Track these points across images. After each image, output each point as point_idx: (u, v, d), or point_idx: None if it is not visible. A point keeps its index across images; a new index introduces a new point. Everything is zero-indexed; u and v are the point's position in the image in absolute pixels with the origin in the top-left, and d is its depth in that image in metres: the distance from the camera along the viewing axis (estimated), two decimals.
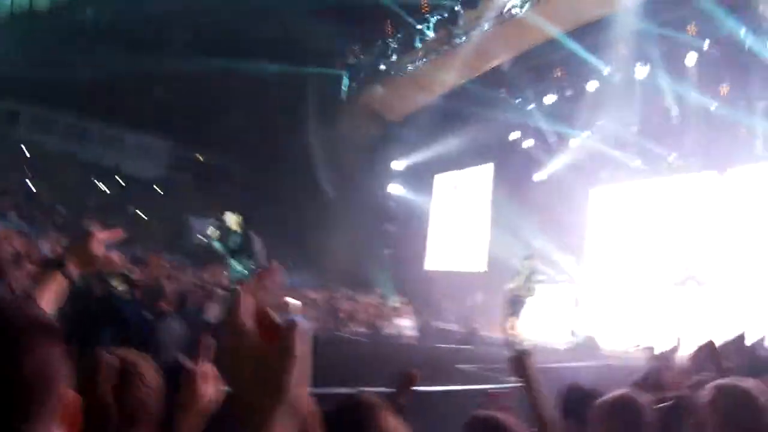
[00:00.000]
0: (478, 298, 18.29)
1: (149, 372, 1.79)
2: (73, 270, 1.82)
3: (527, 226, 19.13)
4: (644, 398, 2.57)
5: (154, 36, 20.58)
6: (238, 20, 18.68)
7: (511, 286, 11.98)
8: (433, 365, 8.50)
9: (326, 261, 19.74)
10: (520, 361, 2.63)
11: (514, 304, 11.83)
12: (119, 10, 18.20)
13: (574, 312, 14.73)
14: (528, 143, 19.47)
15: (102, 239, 1.92)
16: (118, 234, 2.08)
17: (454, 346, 12.65)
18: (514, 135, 19.66)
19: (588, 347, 12.85)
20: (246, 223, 8.22)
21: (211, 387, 1.79)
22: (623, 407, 2.48)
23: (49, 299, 1.73)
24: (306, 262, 19.68)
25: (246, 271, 8.08)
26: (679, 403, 2.66)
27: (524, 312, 11.95)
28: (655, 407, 2.54)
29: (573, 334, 13.76)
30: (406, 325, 13.85)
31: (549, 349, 12.21)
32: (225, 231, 8.36)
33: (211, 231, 8.26)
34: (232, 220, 8.23)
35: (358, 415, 1.86)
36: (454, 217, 22.27)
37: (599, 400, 2.58)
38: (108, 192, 26.66)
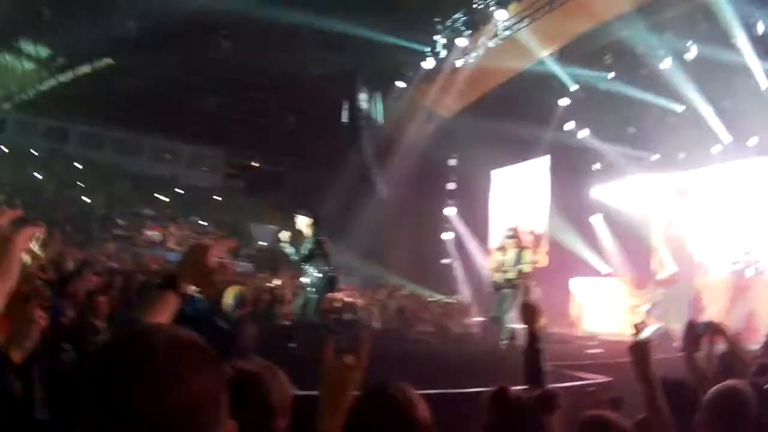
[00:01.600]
0: (537, 293, 18.04)
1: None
2: (186, 288, 1.73)
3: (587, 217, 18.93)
4: (748, 389, 2.56)
5: (200, 41, 20.87)
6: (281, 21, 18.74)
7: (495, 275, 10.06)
8: (506, 365, 8.43)
9: (387, 261, 19.78)
10: (642, 350, 2.55)
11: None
12: (161, 15, 18.40)
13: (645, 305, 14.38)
14: (583, 133, 19.14)
15: (218, 253, 1.80)
16: (232, 245, 2.06)
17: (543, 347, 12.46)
18: (569, 125, 19.34)
19: (662, 339, 12.55)
20: (316, 225, 8.26)
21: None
22: (731, 398, 2.49)
23: (163, 321, 1.63)
24: (367, 263, 19.82)
25: (320, 274, 8.15)
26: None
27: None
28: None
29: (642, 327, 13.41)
30: (472, 323, 13.80)
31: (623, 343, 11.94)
32: (296, 235, 8.44)
33: (283, 235, 8.29)
34: (303, 223, 8.29)
35: (388, 402, 1.95)
36: (514, 212, 22.03)
37: (709, 392, 2.59)
38: (167, 202, 27.24)
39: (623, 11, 15.00)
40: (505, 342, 9.24)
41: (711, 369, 3.42)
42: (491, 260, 10.49)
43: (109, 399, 0.91)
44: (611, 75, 17.75)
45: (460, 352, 9.93)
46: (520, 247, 9.86)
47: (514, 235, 9.99)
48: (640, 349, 2.58)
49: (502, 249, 10.05)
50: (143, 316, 1.55)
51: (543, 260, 10.88)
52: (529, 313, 2.99)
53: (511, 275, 9.53)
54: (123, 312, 7.59)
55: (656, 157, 17.49)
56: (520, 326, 7.01)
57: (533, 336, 2.92)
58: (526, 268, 9.59)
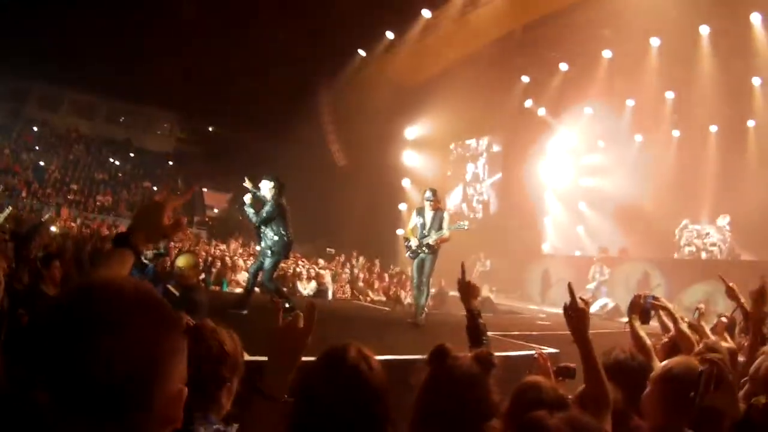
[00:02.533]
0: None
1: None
2: (141, 246, 1.67)
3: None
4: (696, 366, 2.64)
5: (159, 7, 20.31)
6: None
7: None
8: (455, 333, 8.57)
9: (341, 230, 19.76)
10: (578, 314, 2.57)
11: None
12: None
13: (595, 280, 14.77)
14: (541, 111, 19.36)
15: (173, 207, 1.74)
16: (185, 200, 1.94)
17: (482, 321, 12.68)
18: (528, 103, 19.52)
19: (611, 314, 13.02)
20: (278, 189, 8.15)
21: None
22: (681, 373, 2.57)
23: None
24: (322, 231, 19.76)
25: (277, 238, 8.07)
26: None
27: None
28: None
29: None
30: None
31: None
32: (258, 199, 8.31)
33: (247, 198, 8.19)
34: (266, 187, 8.14)
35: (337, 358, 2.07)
36: (468, 186, 22.28)
37: (662, 365, 2.72)
38: (119, 166, 26.72)
39: None
40: (422, 317, 8.90)
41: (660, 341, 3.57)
42: (409, 223, 9.60)
43: (61, 352, 0.90)
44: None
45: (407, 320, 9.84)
46: (439, 209, 9.25)
47: (433, 197, 9.24)
48: (575, 313, 2.59)
49: (420, 211, 9.33)
50: (103, 273, 1.52)
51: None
52: (467, 292, 3.22)
53: (431, 240, 8.99)
54: (77, 274, 7.47)
55: None
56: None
57: (471, 313, 3.14)
58: (446, 233, 9.00)
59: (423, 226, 9.14)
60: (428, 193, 9.31)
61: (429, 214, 9.14)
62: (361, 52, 20.39)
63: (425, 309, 9.06)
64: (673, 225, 17.27)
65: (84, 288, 0.97)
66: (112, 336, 0.90)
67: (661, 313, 4.34)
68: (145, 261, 8.15)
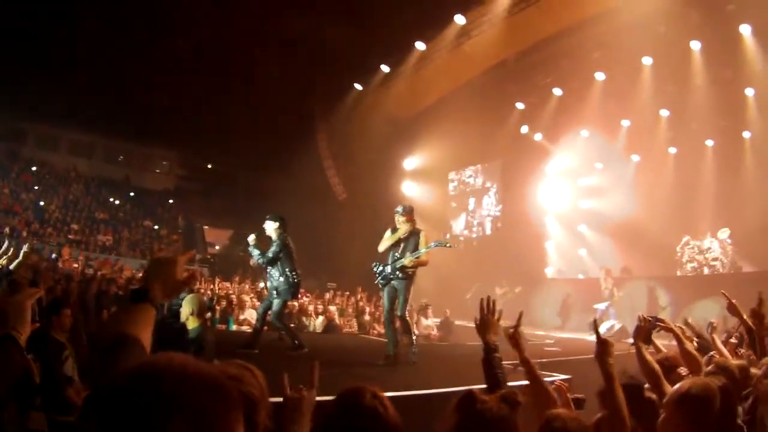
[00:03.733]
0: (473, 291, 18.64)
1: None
2: (159, 300, 1.71)
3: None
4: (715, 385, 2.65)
5: (153, 45, 20.55)
6: (239, 20, 18.61)
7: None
8: (460, 364, 8.55)
9: (343, 264, 19.72)
10: (603, 348, 2.74)
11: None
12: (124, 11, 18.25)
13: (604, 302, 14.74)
14: (538, 136, 19.50)
15: (183, 262, 1.79)
16: (191, 256, 2.07)
17: (478, 343, 12.62)
18: (525, 129, 19.65)
19: (619, 336, 12.95)
20: (283, 228, 8.13)
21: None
22: (697, 394, 2.55)
23: (147, 336, 1.63)
24: (324, 266, 19.73)
25: (282, 278, 8.01)
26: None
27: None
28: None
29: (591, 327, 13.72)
30: (429, 324, 13.91)
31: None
32: (262, 238, 8.29)
33: (251, 238, 8.17)
34: (270, 227, 8.11)
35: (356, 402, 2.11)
36: (469, 214, 22.34)
37: (675, 388, 2.67)
38: (118, 205, 26.76)
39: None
40: (412, 352, 7.82)
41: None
42: (381, 246, 8.14)
43: None
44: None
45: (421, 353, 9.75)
46: (414, 229, 7.98)
47: (406, 213, 8.02)
48: (601, 347, 2.76)
49: (394, 231, 8.06)
50: (128, 331, 1.56)
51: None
52: (483, 328, 3.20)
53: (405, 262, 7.76)
54: (83, 317, 7.47)
55: None
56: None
57: (487, 346, 3.10)
58: (423, 255, 7.78)
59: (394, 248, 7.97)
60: (399, 209, 8.15)
61: (403, 233, 7.94)
62: (357, 86, 20.57)
63: (414, 344, 7.90)
64: (674, 242, 17.33)
65: (149, 370, 0.99)
66: (184, 417, 0.94)
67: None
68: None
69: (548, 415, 2.61)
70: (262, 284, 16.52)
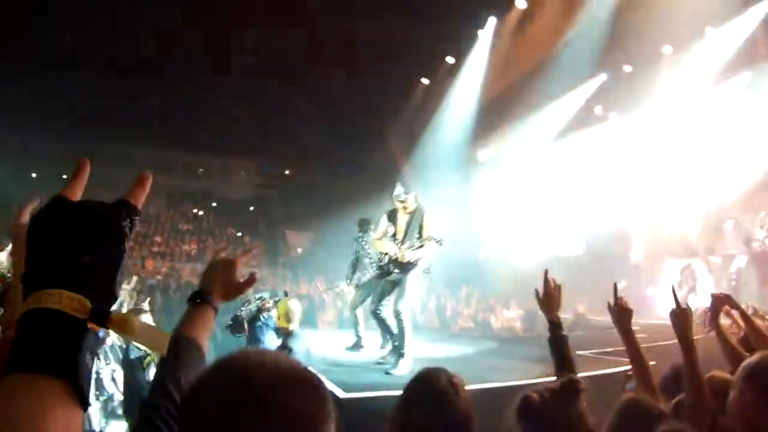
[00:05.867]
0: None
1: None
2: (218, 301, 1.66)
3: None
4: None
5: (217, 56, 21.15)
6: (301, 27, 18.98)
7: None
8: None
9: None
10: (682, 317, 2.75)
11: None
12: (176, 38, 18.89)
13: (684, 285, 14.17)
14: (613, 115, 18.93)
15: (243, 262, 1.77)
16: (250, 255, 1.98)
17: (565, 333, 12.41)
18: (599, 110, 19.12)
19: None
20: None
21: None
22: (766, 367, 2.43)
23: (205, 337, 1.60)
24: None
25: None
26: None
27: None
28: None
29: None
30: (512, 316, 13.77)
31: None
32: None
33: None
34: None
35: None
36: (548, 202, 21.90)
37: (744, 363, 2.53)
38: (202, 215, 27.64)
39: None
40: (390, 358, 6.76)
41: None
42: (377, 233, 6.99)
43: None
44: None
45: (502, 347, 9.71)
46: (416, 210, 6.73)
47: (405, 195, 6.74)
48: (679, 316, 2.75)
49: (391, 214, 6.92)
50: (189, 333, 1.54)
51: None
52: (548, 303, 3.17)
53: (408, 256, 6.49)
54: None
55: None
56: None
57: (553, 324, 3.08)
58: (429, 247, 6.48)
59: (394, 236, 6.77)
60: (397, 190, 6.84)
61: (403, 218, 6.76)
62: (424, 81, 20.58)
63: (405, 353, 6.41)
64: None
65: (240, 365, 0.98)
66: (275, 413, 0.93)
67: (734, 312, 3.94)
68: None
69: (623, 400, 2.59)
70: (340, 285, 16.82)
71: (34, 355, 0.78)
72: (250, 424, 0.91)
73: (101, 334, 0.92)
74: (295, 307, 5.62)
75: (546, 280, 3.12)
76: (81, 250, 0.84)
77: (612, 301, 3.08)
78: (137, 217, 0.95)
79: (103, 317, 0.83)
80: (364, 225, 8.23)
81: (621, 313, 3.04)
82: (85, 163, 1.02)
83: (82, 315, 0.81)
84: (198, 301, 1.62)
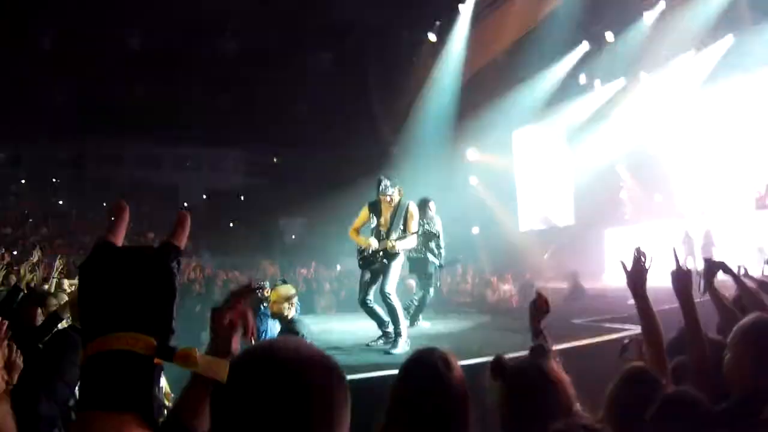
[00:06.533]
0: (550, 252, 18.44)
1: None
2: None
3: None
4: None
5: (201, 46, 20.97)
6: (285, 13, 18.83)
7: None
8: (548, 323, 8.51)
9: None
10: (683, 278, 2.76)
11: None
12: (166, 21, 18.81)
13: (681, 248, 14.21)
14: (596, 83, 18.94)
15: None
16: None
17: (561, 303, 12.52)
18: (582, 79, 19.10)
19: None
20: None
21: None
22: (759, 328, 2.49)
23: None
24: None
25: None
26: None
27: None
28: None
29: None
30: (507, 289, 13.84)
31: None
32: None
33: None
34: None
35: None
36: (539, 173, 21.97)
37: (738, 325, 2.59)
38: (192, 208, 27.49)
39: None
40: (380, 341, 6.86)
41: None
42: (356, 222, 7.14)
43: (232, 414, 0.98)
44: None
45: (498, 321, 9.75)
46: (400, 203, 6.86)
47: (390, 187, 6.79)
48: (680, 277, 2.78)
49: (374, 206, 6.99)
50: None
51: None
52: (536, 311, 3.03)
53: (389, 246, 6.66)
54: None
55: None
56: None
57: (537, 332, 2.97)
58: (408, 241, 6.78)
59: (378, 226, 6.90)
60: (384, 183, 6.81)
61: (387, 210, 6.89)
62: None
63: (402, 332, 6.55)
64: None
65: (264, 350, 1.05)
66: (298, 394, 0.97)
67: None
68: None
69: (625, 370, 2.62)
70: (339, 267, 16.87)
71: (109, 393, 0.88)
72: (274, 401, 0.96)
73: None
74: (286, 292, 5.56)
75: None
76: (138, 294, 0.93)
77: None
78: (181, 257, 1.03)
79: (170, 352, 0.93)
80: (423, 205, 8.46)
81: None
82: (124, 207, 1.08)
83: (150, 352, 0.91)
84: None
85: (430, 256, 8.76)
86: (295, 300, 5.63)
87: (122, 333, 0.90)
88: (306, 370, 0.99)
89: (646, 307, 2.74)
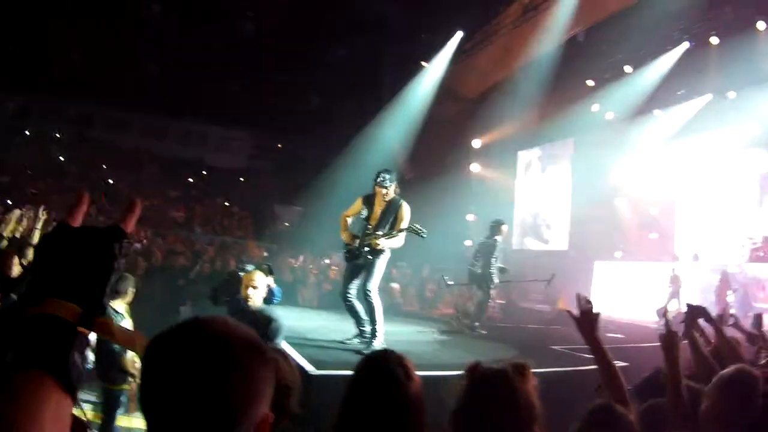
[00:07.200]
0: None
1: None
2: None
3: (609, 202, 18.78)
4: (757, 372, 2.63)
5: (219, 27, 20.98)
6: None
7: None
8: (524, 346, 8.53)
9: (409, 243, 19.68)
10: (672, 340, 2.79)
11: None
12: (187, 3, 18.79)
13: (668, 289, 14.22)
14: (609, 115, 18.93)
15: None
16: None
17: (543, 326, 12.56)
18: (595, 107, 19.08)
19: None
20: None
21: None
22: (740, 380, 2.54)
23: None
24: None
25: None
26: None
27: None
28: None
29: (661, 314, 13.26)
30: (492, 305, 13.75)
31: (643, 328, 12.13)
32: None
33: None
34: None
35: None
36: (538, 194, 21.97)
37: (718, 375, 2.66)
38: (192, 183, 27.49)
39: None
40: (355, 340, 6.88)
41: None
42: (348, 211, 7.09)
43: (159, 386, 1.01)
44: None
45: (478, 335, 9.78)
46: (394, 197, 6.83)
47: (389, 183, 6.73)
48: (668, 340, 2.80)
49: (367, 199, 6.93)
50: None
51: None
52: (586, 322, 2.80)
53: (378, 241, 6.62)
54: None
55: None
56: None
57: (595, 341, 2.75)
58: (400, 238, 6.73)
59: (367, 220, 6.83)
60: (383, 176, 6.75)
61: (380, 205, 6.80)
62: (424, 64, 20.47)
63: (369, 335, 6.67)
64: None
65: (192, 323, 1.07)
66: (221, 366, 1.01)
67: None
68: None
69: (592, 406, 2.60)
70: (327, 260, 16.80)
71: (33, 353, 0.95)
72: (196, 370, 0.99)
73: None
74: (259, 278, 5.29)
75: (584, 301, 2.82)
76: (75, 266, 1.02)
77: (574, 309, 2.80)
78: (126, 240, 1.10)
79: (90, 321, 1.00)
80: (497, 226, 10.58)
81: (585, 319, 2.70)
82: (85, 196, 1.18)
83: (73, 319, 0.98)
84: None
85: (489, 271, 10.23)
86: (260, 287, 5.31)
87: (55, 299, 0.98)
88: (230, 342, 1.03)
89: (600, 351, 2.65)
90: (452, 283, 12.33)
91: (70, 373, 0.95)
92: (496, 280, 10.43)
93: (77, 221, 1.12)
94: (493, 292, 10.59)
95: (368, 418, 2.10)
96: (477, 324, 10.04)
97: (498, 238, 10.54)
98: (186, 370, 1.00)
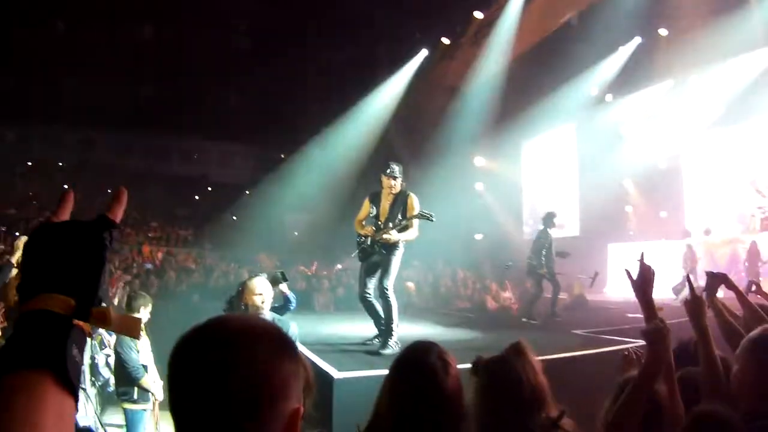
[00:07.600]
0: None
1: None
2: None
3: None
4: None
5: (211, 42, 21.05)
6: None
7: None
8: (549, 333, 8.50)
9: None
10: (696, 304, 2.74)
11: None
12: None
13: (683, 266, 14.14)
14: (608, 97, 18.87)
15: None
16: None
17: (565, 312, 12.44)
18: (594, 91, 19.00)
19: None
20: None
21: None
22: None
23: None
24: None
25: None
26: None
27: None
28: None
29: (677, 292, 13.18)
30: (508, 296, 13.71)
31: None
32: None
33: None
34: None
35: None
36: (545, 182, 21.88)
37: (747, 337, 2.60)
38: (198, 200, 27.53)
39: None
40: (376, 341, 6.78)
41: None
42: (360, 214, 6.94)
43: (187, 384, 1.02)
44: None
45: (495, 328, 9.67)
46: (401, 191, 6.72)
47: (394, 176, 6.65)
48: (694, 305, 2.75)
49: (374, 197, 6.85)
50: None
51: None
52: (696, 308, 2.79)
53: (389, 237, 6.54)
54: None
55: None
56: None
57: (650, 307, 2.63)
58: (413, 227, 6.59)
59: (377, 217, 6.74)
60: (392, 167, 6.70)
61: (387, 200, 6.73)
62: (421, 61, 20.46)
63: (393, 331, 6.45)
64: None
65: (215, 322, 1.08)
66: (246, 364, 1.01)
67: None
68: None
69: (698, 413, 2.52)
70: (339, 266, 16.79)
71: (25, 351, 0.89)
72: (222, 369, 0.99)
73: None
74: (261, 285, 5.14)
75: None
76: (64, 258, 0.98)
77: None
78: (115, 230, 1.06)
79: (85, 313, 0.95)
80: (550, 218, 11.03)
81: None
82: (70, 193, 1.15)
83: (67, 312, 0.93)
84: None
85: (532, 264, 10.87)
86: (265, 294, 5.14)
87: (45, 294, 0.94)
88: (255, 336, 1.04)
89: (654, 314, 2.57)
90: (511, 263, 13.77)
91: (68, 367, 0.90)
92: (541, 271, 10.92)
93: (64, 218, 1.10)
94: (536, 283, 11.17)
95: (404, 410, 2.07)
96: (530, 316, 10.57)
97: (549, 230, 11.05)
98: (212, 365, 1.00)
